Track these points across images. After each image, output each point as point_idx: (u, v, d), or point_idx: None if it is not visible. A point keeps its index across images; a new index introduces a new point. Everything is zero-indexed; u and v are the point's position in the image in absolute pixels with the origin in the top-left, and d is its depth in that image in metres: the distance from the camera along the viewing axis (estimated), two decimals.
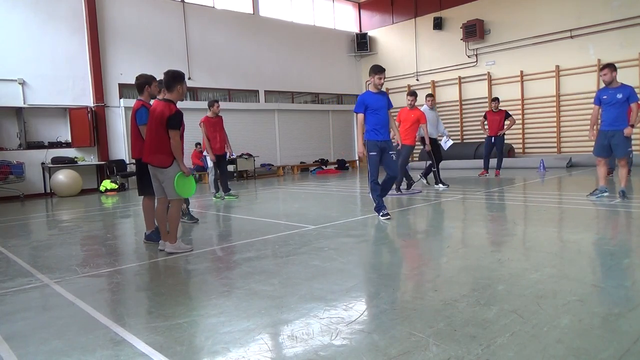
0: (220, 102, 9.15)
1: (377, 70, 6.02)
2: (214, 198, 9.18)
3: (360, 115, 6.14)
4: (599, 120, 6.78)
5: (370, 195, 6.28)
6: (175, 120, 4.54)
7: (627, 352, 2.16)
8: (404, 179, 8.86)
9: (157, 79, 5.37)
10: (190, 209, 6.76)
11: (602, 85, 6.81)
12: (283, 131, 16.72)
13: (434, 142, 9.16)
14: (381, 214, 6.08)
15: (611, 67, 6.52)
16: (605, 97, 6.54)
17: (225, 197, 9.12)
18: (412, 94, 8.57)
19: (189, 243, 5.00)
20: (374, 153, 6.05)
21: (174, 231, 4.71)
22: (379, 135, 6.06)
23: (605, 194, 6.75)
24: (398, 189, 8.66)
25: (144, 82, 5.33)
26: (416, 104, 8.60)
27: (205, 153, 9.42)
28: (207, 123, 8.69)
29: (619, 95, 6.40)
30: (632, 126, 6.48)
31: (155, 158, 4.66)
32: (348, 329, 2.58)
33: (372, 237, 5.32)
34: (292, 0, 17.31)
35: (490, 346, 2.27)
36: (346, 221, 6.05)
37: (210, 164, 9.14)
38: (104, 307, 3.23)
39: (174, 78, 4.67)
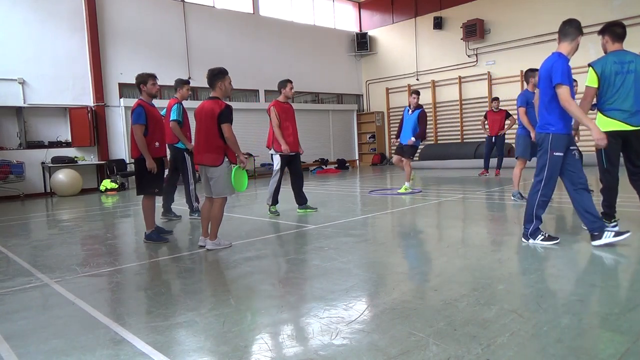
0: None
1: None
2: (268, 212, 6.84)
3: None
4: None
5: (534, 214, 4.31)
6: (227, 114, 4.61)
7: (627, 352, 2.16)
8: None
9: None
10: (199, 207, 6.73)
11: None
12: None
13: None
14: (543, 236, 4.33)
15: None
16: None
17: (271, 209, 6.83)
18: None
19: (198, 241, 5.00)
20: (559, 153, 4.28)
21: (216, 229, 4.78)
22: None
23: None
24: None
25: (138, 82, 5.32)
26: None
27: (271, 151, 6.83)
28: (278, 108, 6.63)
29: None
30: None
31: (205, 157, 4.74)
32: (348, 328, 2.58)
33: (372, 237, 5.32)
34: None
35: (490, 345, 2.27)
36: (346, 221, 6.05)
37: (276, 164, 6.78)
38: (104, 306, 3.23)
39: (215, 75, 4.74)
